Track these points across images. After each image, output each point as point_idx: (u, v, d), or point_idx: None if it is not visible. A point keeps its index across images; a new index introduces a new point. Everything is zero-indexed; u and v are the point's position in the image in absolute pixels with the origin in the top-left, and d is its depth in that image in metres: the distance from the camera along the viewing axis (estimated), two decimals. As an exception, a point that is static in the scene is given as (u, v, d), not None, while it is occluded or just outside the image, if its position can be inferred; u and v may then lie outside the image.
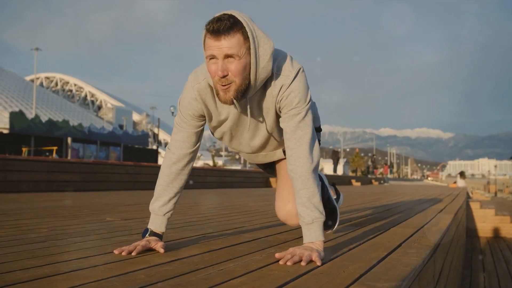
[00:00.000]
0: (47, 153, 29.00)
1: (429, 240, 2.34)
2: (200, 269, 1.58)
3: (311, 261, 1.69)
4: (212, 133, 2.15)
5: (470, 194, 20.64)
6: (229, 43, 1.71)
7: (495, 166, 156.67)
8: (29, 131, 33.42)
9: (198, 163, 44.85)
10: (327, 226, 2.50)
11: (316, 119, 2.33)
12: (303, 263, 1.65)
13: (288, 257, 1.69)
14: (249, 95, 1.86)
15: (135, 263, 1.68)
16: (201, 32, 1.78)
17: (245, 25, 1.74)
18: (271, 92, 1.89)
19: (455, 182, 23.88)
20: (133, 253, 1.85)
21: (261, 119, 1.99)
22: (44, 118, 39.08)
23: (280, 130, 2.02)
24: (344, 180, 27.92)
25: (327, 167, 36.82)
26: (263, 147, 2.17)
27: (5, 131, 35.21)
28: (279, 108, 1.92)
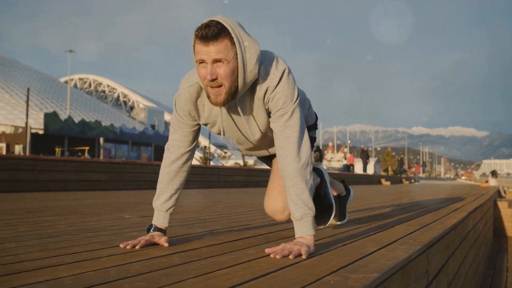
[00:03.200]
0: (79, 153, 29.65)
1: (425, 237, 2.42)
2: (193, 261, 1.71)
3: (300, 255, 1.79)
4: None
5: (503, 194, 20.22)
6: (217, 48, 1.83)
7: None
8: (62, 132, 34.19)
9: (229, 162, 45.13)
10: (320, 220, 2.62)
11: (309, 116, 2.42)
12: (291, 257, 1.75)
13: (278, 251, 1.80)
14: (238, 97, 1.97)
15: (136, 255, 1.82)
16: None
17: (231, 31, 1.85)
18: (258, 94, 1.98)
19: (487, 181, 23.51)
20: (137, 247, 1.98)
21: (252, 119, 2.09)
22: (77, 119, 39.90)
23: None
24: (374, 179, 27.78)
25: (358, 166, 36.68)
26: (261, 143, 2.27)
27: (41, 132, 36.10)
28: (268, 109, 2.02)
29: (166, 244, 2.04)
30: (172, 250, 1.96)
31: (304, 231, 1.91)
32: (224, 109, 2.07)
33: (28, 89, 32.64)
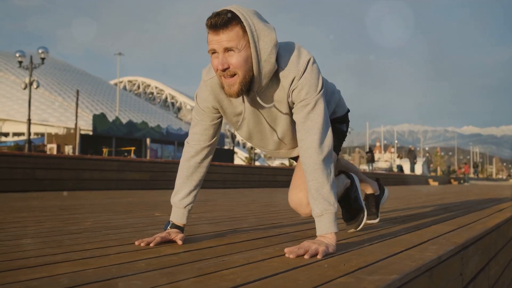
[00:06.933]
0: (126, 154, 30.16)
1: (460, 237, 2.26)
2: (203, 259, 1.62)
3: (317, 254, 1.68)
4: (237, 131, 2.19)
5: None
6: (227, 37, 1.75)
7: None
8: (110, 133, 34.88)
9: (275, 163, 45.02)
10: (351, 223, 2.49)
11: (338, 107, 2.31)
12: (306, 256, 1.65)
13: (294, 250, 1.70)
14: (256, 88, 1.87)
15: (146, 253, 1.75)
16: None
17: (242, 19, 1.76)
18: (282, 84, 1.89)
19: (541, 182, 22.60)
20: (151, 244, 1.91)
21: (276, 112, 1.98)
22: (126, 120, 40.60)
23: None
24: (421, 180, 27.13)
25: (406, 167, 35.93)
26: (284, 141, 2.16)
27: (90, 133, 36.97)
28: (291, 101, 1.92)
29: (180, 242, 1.97)
30: (187, 248, 1.88)
31: (325, 229, 1.81)
32: (247, 102, 1.98)
33: (78, 91, 33.47)
